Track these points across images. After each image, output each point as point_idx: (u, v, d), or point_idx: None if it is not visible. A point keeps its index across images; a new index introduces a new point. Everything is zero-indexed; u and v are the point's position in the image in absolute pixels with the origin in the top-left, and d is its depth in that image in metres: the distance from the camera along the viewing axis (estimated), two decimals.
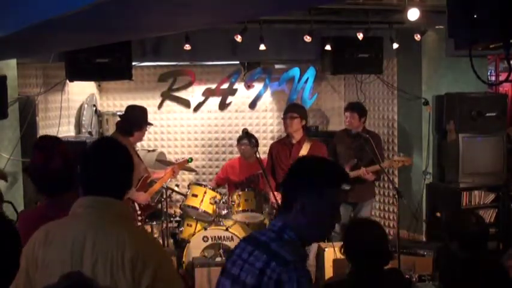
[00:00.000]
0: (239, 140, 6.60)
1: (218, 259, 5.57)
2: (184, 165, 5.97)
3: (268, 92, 7.87)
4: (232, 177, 6.69)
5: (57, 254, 2.07)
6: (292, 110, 5.52)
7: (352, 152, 6.06)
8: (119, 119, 6.73)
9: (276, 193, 5.11)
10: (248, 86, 7.82)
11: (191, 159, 6.09)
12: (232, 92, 7.80)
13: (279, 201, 5.10)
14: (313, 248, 5.54)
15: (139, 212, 5.24)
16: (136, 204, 5.23)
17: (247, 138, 6.15)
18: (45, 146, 2.88)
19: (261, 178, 6.08)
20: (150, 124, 5.54)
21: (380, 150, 6.06)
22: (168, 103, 7.79)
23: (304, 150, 5.42)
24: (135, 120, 5.27)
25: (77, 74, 5.67)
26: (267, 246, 2.08)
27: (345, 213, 6.20)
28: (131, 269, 2.03)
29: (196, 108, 7.79)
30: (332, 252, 5.43)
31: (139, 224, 5.23)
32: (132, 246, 2.06)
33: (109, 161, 2.23)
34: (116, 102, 7.73)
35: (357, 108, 6.09)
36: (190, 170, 6.49)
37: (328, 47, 6.31)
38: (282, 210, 2.20)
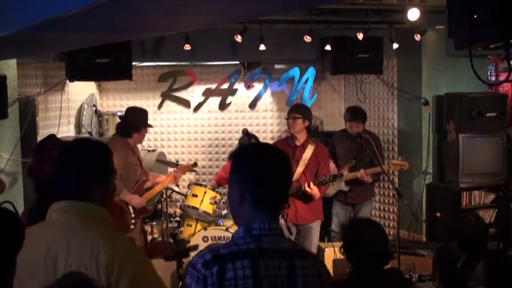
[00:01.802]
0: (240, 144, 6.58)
1: None
2: (187, 170, 5.97)
3: (268, 92, 7.87)
4: None
5: (26, 260, 1.94)
6: (295, 110, 5.47)
7: (352, 153, 6.06)
8: (119, 119, 6.75)
9: None
10: (248, 86, 7.82)
11: (196, 164, 6.11)
12: (232, 92, 7.80)
13: None
14: (313, 251, 5.54)
15: (133, 215, 5.22)
16: (130, 207, 5.22)
17: (248, 139, 6.14)
18: (41, 149, 2.85)
19: None
20: (150, 126, 5.53)
21: (380, 151, 6.06)
22: (168, 103, 7.80)
23: (307, 153, 5.40)
24: (133, 122, 5.27)
25: (77, 74, 5.67)
26: (298, 251, 2.01)
27: (344, 214, 6.20)
28: (106, 276, 1.96)
29: (196, 108, 7.79)
30: (332, 252, 5.43)
31: (132, 227, 5.20)
32: (107, 252, 1.99)
33: (78, 163, 2.15)
34: (115, 102, 7.74)
35: (360, 116, 6.07)
36: (191, 170, 6.49)
37: (328, 47, 6.31)
38: (272, 211, 2.01)
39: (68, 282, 1.55)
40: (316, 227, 5.52)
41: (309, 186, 5.17)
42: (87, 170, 2.15)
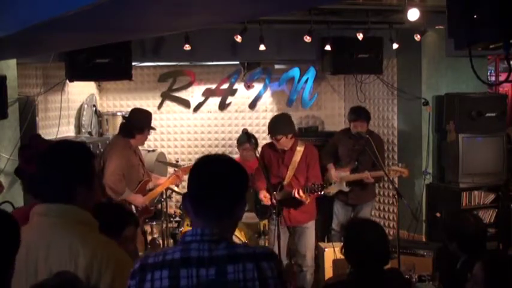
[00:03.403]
0: (240, 143, 6.55)
1: None
2: (188, 171, 5.94)
3: (268, 92, 7.87)
4: None
5: None
6: (276, 132, 5.32)
7: (354, 154, 6.04)
8: (119, 119, 6.74)
9: (268, 194, 5.16)
10: (248, 86, 7.82)
11: None
12: (232, 92, 7.80)
13: (273, 202, 5.11)
14: (309, 250, 5.51)
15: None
16: (133, 207, 5.22)
17: (247, 138, 6.13)
18: (27, 148, 2.84)
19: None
20: (153, 128, 5.54)
21: (382, 152, 6.04)
22: (168, 103, 7.80)
23: (297, 156, 5.35)
24: (137, 123, 5.28)
25: (77, 74, 5.67)
26: (235, 255, 1.92)
27: (345, 214, 6.20)
28: (86, 278, 1.95)
29: (196, 109, 7.79)
30: (332, 253, 5.43)
31: None
32: (85, 255, 1.98)
33: (61, 166, 2.14)
34: (115, 102, 7.74)
35: (364, 116, 6.03)
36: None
37: (328, 47, 6.31)
38: (211, 218, 1.96)
39: (57, 281, 1.56)
40: (310, 227, 5.51)
41: (298, 193, 5.17)
42: (71, 171, 2.14)
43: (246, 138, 6.17)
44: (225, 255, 1.90)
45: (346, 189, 6.02)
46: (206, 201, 1.96)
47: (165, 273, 1.88)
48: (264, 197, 5.34)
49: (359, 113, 6.05)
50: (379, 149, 5.78)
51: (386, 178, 6.16)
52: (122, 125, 5.46)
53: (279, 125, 5.37)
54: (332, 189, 6.02)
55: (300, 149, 5.36)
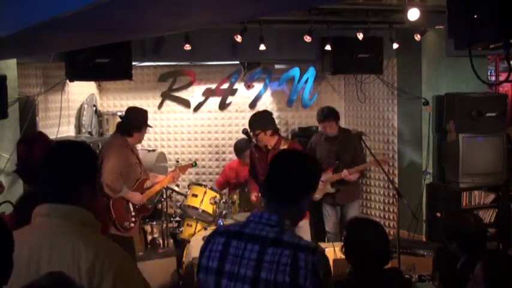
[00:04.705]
0: (239, 152, 6.60)
1: None
2: (187, 169, 5.96)
3: (268, 92, 7.87)
4: (232, 180, 6.70)
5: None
6: (254, 127, 5.37)
7: (333, 154, 6.09)
8: (119, 119, 6.74)
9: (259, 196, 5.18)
10: (248, 86, 7.82)
11: (195, 164, 6.08)
12: (232, 92, 7.80)
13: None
14: None
15: (133, 214, 5.22)
16: (130, 205, 5.22)
17: (247, 141, 6.14)
18: (26, 139, 2.85)
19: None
20: (150, 126, 5.55)
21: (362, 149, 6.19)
22: (168, 103, 7.80)
23: None
24: (135, 121, 5.29)
25: (77, 74, 5.68)
26: (279, 240, 2.16)
27: (334, 214, 6.30)
28: (88, 281, 1.94)
29: (196, 108, 7.80)
30: (332, 253, 5.42)
31: (132, 225, 5.20)
32: (88, 257, 1.97)
33: (59, 166, 2.13)
34: (115, 102, 7.74)
35: (332, 117, 6.10)
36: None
37: (328, 47, 6.31)
38: (272, 202, 2.29)
39: (49, 281, 1.56)
40: (303, 226, 5.52)
41: None
42: (76, 172, 2.13)
43: (245, 144, 6.17)
44: (272, 238, 2.17)
45: (332, 190, 6.09)
46: (268, 192, 2.33)
47: (221, 240, 2.25)
48: (255, 197, 5.41)
49: (327, 114, 6.11)
50: (361, 146, 5.98)
51: (386, 178, 6.17)
52: (119, 123, 5.46)
53: (258, 121, 5.42)
54: (319, 193, 6.04)
55: (283, 148, 5.37)
